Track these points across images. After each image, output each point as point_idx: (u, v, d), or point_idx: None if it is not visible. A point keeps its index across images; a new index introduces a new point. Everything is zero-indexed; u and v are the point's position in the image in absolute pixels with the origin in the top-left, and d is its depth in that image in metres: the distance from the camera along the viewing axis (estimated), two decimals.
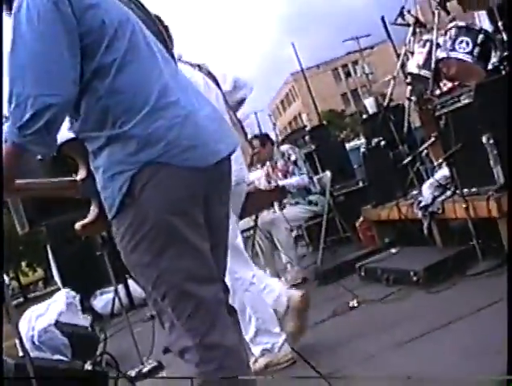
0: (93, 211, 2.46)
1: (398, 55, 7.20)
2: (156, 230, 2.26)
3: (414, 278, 4.98)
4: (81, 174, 2.48)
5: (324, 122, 24.29)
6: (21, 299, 36.88)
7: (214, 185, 2.44)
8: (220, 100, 4.37)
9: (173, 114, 2.27)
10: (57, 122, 2.17)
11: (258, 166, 8.19)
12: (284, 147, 8.22)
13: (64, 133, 2.35)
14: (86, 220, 2.45)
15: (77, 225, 2.42)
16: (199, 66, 4.40)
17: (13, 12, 2.19)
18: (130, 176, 2.20)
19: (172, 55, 2.59)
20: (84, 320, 6.70)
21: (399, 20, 7.04)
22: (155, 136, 2.21)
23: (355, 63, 70.20)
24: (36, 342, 5.75)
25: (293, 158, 7.85)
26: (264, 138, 8.21)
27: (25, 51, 2.15)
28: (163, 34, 2.59)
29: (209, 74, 4.43)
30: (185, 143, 2.26)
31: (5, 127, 2.19)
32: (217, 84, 4.46)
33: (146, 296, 2.46)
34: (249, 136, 5.20)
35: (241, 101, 4.77)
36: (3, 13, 2.35)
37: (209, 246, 2.41)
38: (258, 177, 7.83)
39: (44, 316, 6.09)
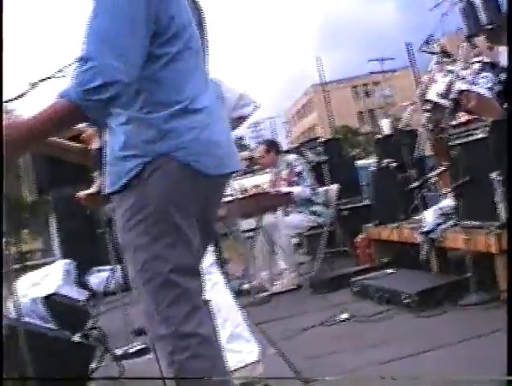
0: (97, 183, 2.55)
1: (419, 82, 7.25)
2: (156, 216, 2.32)
3: (406, 301, 5.04)
4: (96, 144, 2.56)
5: (338, 137, 24.28)
6: (19, 265, 36.82)
7: (215, 192, 2.57)
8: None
9: (196, 120, 2.36)
10: (117, 100, 2.17)
11: (267, 170, 8.28)
12: (290, 157, 8.24)
13: None
14: (89, 191, 2.54)
15: (79, 194, 2.52)
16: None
17: None
18: (143, 162, 2.29)
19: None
20: (78, 293, 6.75)
21: (425, 47, 7.10)
22: (176, 132, 2.31)
23: (376, 83, 69.96)
24: (28, 310, 5.81)
25: (298, 168, 7.88)
26: (270, 145, 8.28)
27: (108, 17, 2.19)
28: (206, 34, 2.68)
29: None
30: (201, 148, 2.35)
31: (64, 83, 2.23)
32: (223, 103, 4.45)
33: (129, 279, 2.47)
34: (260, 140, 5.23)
35: (242, 118, 4.71)
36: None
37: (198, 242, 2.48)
38: (265, 181, 7.91)
39: (39, 286, 6.15)
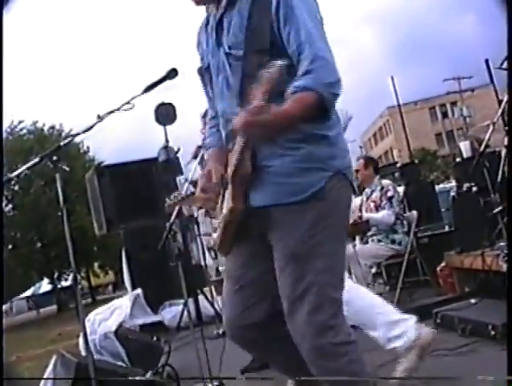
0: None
1: (500, 101, 7.03)
2: (338, 226, 2.67)
3: (492, 332, 4.83)
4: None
5: (416, 161, 23.96)
6: (89, 300, 37.55)
7: None
8: None
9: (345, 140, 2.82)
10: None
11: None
12: (385, 182, 8.12)
13: None
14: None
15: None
16: None
17: None
18: (328, 176, 2.60)
19: None
20: (154, 316, 6.67)
21: (505, 64, 6.87)
22: (344, 150, 2.73)
23: (454, 104, 69.02)
24: (98, 346, 5.78)
25: (390, 193, 7.74)
26: (369, 160, 8.20)
27: (313, 20, 2.60)
28: None
29: None
30: (351, 169, 2.80)
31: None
32: None
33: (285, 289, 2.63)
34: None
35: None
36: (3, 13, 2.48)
37: None
38: (355, 205, 7.77)
39: (108, 321, 6.13)
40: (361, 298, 4.36)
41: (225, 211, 2.78)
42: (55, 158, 5.16)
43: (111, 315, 6.23)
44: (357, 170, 8.04)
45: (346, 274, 4.16)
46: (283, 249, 2.63)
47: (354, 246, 7.38)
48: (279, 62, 2.38)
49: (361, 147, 61.32)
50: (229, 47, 2.72)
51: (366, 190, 8.03)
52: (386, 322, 4.21)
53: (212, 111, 3.08)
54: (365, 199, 7.98)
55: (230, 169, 2.70)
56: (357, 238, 7.61)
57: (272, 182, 2.61)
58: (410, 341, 4.10)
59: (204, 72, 2.95)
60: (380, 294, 8.08)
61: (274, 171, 2.59)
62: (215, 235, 3.32)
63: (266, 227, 2.69)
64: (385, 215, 7.57)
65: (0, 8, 2.17)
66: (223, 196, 2.83)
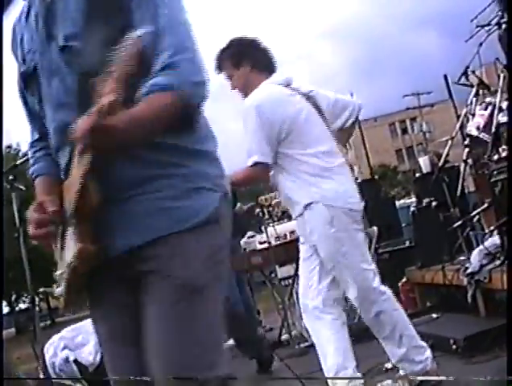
0: None
1: (459, 116, 7.10)
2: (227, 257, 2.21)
3: (454, 346, 4.84)
4: None
5: (376, 177, 24.14)
6: (48, 322, 37.12)
7: None
8: (325, 133, 4.22)
9: None
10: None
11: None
12: None
13: None
14: None
15: None
16: (308, 95, 4.27)
17: None
18: (219, 197, 2.09)
19: None
20: None
21: (463, 80, 6.96)
22: (223, 170, 2.20)
23: (413, 119, 69.84)
24: (57, 370, 5.70)
25: None
26: None
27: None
28: None
29: (315, 104, 4.26)
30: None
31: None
32: (322, 115, 4.28)
33: None
34: None
35: (352, 123, 4.50)
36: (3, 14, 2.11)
37: None
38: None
39: (69, 347, 6.05)
40: (397, 310, 4.29)
41: (68, 255, 2.01)
42: (11, 177, 5.09)
43: (73, 342, 6.14)
44: None
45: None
46: (169, 289, 2.01)
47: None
48: (138, 32, 1.80)
49: None
50: (65, 39, 2.02)
51: None
52: (413, 344, 4.17)
53: (37, 132, 2.34)
54: None
55: (70, 200, 1.98)
56: None
57: (154, 209, 2.00)
58: (425, 369, 4.07)
59: (28, 79, 2.19)
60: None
61: (156, 197, 2.00)
62: None
63: (141, 268, 2.03)
64: None
65: (0, 8, 1.98)
66: (62, 237, 2.08)
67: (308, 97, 4.24)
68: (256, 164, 4.03)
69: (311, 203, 4.03)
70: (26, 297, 38.00)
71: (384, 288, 4.25)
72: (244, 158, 4.10)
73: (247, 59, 4.26)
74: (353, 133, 4.71)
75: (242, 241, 7.72)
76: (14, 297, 40.55)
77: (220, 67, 4.33)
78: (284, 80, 4.28)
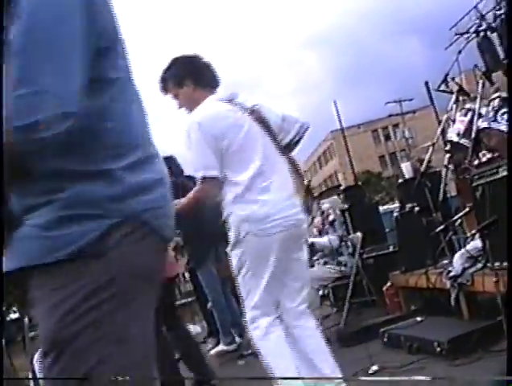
0: None
1: (440, 122, 7.17)
2: (136, 300, 1.86)
3: (438, 349, 4.88)
4: None
5: (360, 183, 24.22)
6: (38, 331, 36.90)
7: None
8: (267, 149, 4.17)
9: None
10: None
11: None
12: (325, 206, 8.15)
13: None
14: None
15: None
16: (251, 110, 4.22)
17: None
18: (107, 225, 1.78)
19: None
20: None
21: (443, 87, 7.03)
22: (143, 187, 1.89)
23: (396, 126, 69.91)
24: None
25: (331, 217, 7.79)
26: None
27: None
28: None
29: (260, 119, 4.22)
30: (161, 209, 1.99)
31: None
32: (268, 129, 4.24)
33: None
34: None
35: (296, 141, 4.43)
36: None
37: None
38: None
39: None
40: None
41: None
42: None
43: None
44: None
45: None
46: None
47: None
48: None
49: (305, 172, 61.52)
50: None
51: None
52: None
53: None
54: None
55: None
56: None
57: (27, 237, 1.79)
58: None
59: None
60: (327, 316, 8.19)
61: (32, 224, 1.79)
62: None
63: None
64: (326, 241, 7.61)
65: (0, 8, 1.90)
66: None
67: (252, 111, 4.20)
68: (204, 179, 4.00)
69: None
70: (16, 307, 37.76)
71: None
72: None
73: (189, 77, 4.25)
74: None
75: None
76: (4, 308, 40.21)
77: (165, 89, 4.34)
78: (228, 96, 4.24)
